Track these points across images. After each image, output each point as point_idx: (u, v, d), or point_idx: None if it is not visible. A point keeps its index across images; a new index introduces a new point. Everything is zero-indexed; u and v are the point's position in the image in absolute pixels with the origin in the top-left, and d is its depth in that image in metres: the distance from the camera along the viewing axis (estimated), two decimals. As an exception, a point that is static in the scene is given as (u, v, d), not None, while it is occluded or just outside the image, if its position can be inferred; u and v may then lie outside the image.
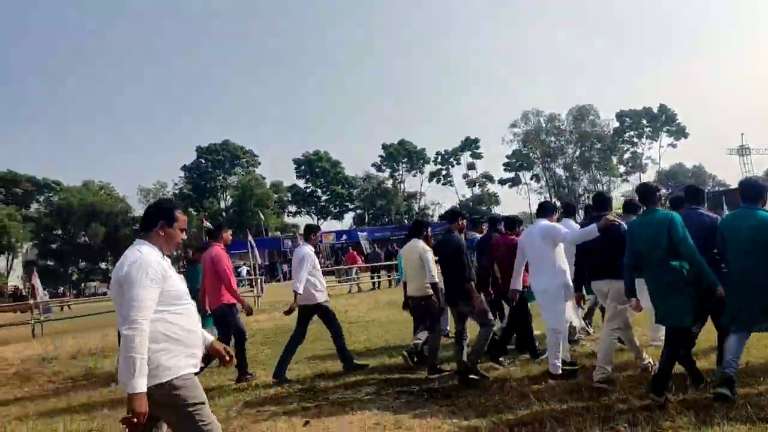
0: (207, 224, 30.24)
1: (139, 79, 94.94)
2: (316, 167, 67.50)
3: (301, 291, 6.31)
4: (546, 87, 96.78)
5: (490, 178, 70.62)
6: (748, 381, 4.40)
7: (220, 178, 65.42)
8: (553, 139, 68.65)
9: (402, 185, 70.94)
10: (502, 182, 70.31)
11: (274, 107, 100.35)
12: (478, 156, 70.13)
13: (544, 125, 68.36)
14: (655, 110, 67.00)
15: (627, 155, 68.93)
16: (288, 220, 68.56)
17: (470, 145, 69.87)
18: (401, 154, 69.15)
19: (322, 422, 4.61)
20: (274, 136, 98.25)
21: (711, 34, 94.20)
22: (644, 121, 67.38)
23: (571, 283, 5.36)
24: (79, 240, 58.90)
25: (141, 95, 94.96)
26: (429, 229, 6.41)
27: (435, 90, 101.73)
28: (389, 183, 70.21)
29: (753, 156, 47.46)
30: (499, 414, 4.30)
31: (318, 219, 69.13)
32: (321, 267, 6.87)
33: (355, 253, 22.10)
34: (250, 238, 18.17)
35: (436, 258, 5.98)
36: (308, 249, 6.59)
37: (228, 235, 6.86)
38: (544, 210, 5.72)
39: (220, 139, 66.30)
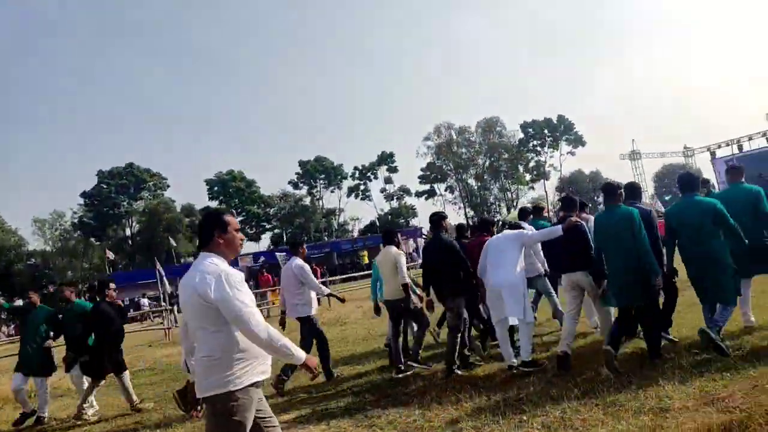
0: (110, 256, 28.53)
1: (30, 95, 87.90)
2: (230, 187, 65.69)
3: (326, 292, 7.28)
4: (455, 99, 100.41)
5: (407, 191, 72.05)
6: (649, 374, 4.66)
7: (125, 203, 61.76)
8: (464, 150, 71.29)
9: (320, 202, 70.64)
10: (418, 195, 71.96)
11: (182, 126, 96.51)
12: (394, 170, 71.35)
13: (455, 137, 70.86)
14: (555, 121, 71.54)
15: (532, 164, 72.87)
16: (202, 244, 65.96)
17: (386, 159, 70.96)
18: (318, 171, 68.94)
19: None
20: (183, 157, 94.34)
21: (606, 40, 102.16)
22: (546, 131, 71.66)
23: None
24: (-33, 279, 53.26)
25: (32, 115, 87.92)
26: (399, 236, 6.94)
27: (350, 106, 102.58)
28: (307, 200, 69.64)
29: (644, 160, 51.60)
30: (419, 428, 4.26)
31: (234, 241, 67.07)
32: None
33: (269, 275, 21.45)
34: (158, 266, 17.16)
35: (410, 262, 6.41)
36: (300, 261, 6.71)
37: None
38: (515, 225, 6.28)
39: (123, 162, 62.94)
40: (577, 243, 5.47)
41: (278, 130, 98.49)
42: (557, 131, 71.70)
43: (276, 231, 68.38)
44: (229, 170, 66.88)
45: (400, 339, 6.65)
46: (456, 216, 69.99)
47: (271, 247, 60.96)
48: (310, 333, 6.64)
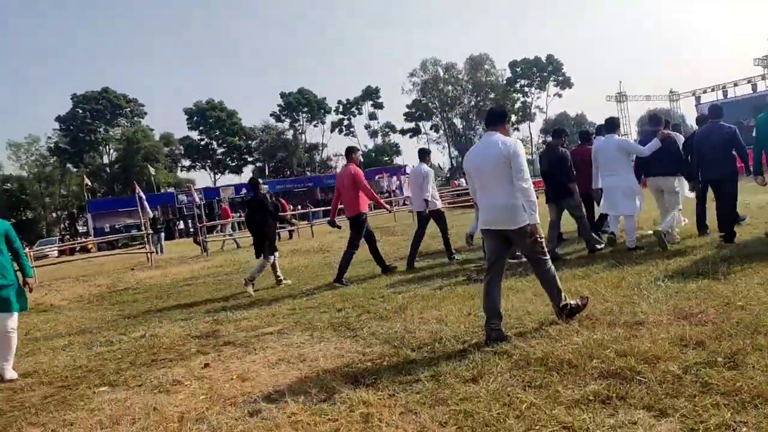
0: (88, 182, 27.82)
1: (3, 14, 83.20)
2: (210, 118, 64.09)
3: (430, 199, 8.26)
4: (444, 36, 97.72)
5: (392, 128, 71.16)
6: (625, 294, 4.81)
7: (101, 130, 60.04)
8: (450, 88, 70.06)
9: (303, 136, 69.58)
10: (402, 132, 71.17)
11: (160, 52, 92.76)
12: (380, 106, 70.19)
13: (442, 74, 69.42)
14: (544, 60, 70.28)
15: (518, 104, 72.16)
16: (182, 174, 65.05)
17: (371, 94, 69.59)
18: (301, 104, 67.45)
19: (223, 363, 4.44)
20: (161, 85, 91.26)
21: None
22: (534, 70, 70.51)
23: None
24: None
25: (4, 34, 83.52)
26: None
27: (336, 37, 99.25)
28: (290, 134, 68.51)
29: (630, 103, 51.37)
30: (401, 339, 4.37)
31: (214, 173, 66.31)
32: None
33: (227, 208, 21.50)
34: (138, 190, 16.86)
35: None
36: (427, 167, 8.40)
37: (358, 155, 8.41)
38: (614, 126, 7.33)
39: (99, 87, 60.69)
40: (668, 151, 6.90)
41: (261, 61, 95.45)
42: (545, 71, 70.62)
43: (258, 164, 67.56)
44: (209, 99, 65.05)
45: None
46: (440, 155, 69.75)
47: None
48: (441, 219, 8.47)
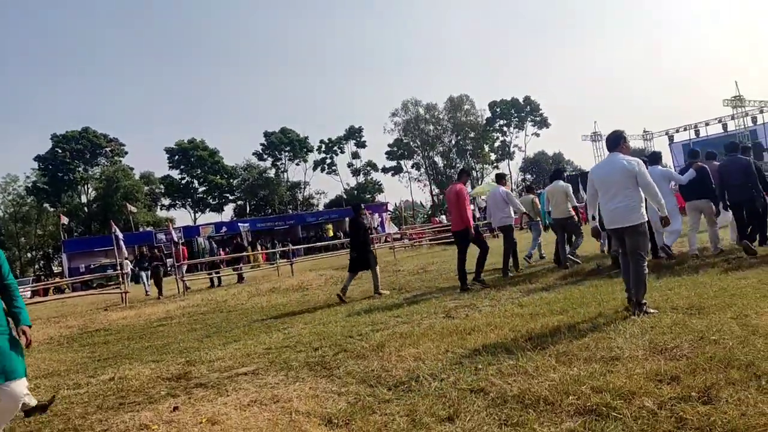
0: (64, 220, 27.43)
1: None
2: (191, 156, 63.90)
3: (524, 210, 10.68)
4: (424, 77, 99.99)
5: (374, 167, 71.69)
6: (601, 328, 4.80)
7: (80, 169, 59.40)
8: (431, 127, 71.26)
9: (285, 174, 69.67)
10: (384, 170, 71.71)
11: (142, 93, 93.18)
12: (362, 145, 70.81)
13: (423, 114, 70.69)
14: (522, 101, 72.09)
15: (497, 143, 73.53)
16: (161, 213, 64.27)
17: (354, 134, 70.30)
18: (284, 143, 67.75)
19: (193, 406, 4.28)
20: (141, 125, 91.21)
21: (571, 24, 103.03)
22: (513, 111, 72.20)
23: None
24: None
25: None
26: (564, 174, 10.54)
27: (317, 77, 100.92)
28: (272, 172, 68.54)
29: (604, 142, 52.53)
30: (377, 378, 4.28)
31: (195, 212, 65.68)
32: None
33: (185, 248, 20.87)
34: (115, 229, 16.59)
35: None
36: (504, 188, 10.08)
37: (467, 179, 9.63)
38: (657, 159, 9.17)
39: (79, 127, 60.32)
40: (704, 178, 8.27)
41: (244, 101, 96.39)
42: (523, 112, 72.37)
43: (239, 203, 67.22)
44: (191, 138, 65.04)
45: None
46: (421, 193, 70.14)
47: (234, 218, 59.88)
48: (509, 238, 9.74)
